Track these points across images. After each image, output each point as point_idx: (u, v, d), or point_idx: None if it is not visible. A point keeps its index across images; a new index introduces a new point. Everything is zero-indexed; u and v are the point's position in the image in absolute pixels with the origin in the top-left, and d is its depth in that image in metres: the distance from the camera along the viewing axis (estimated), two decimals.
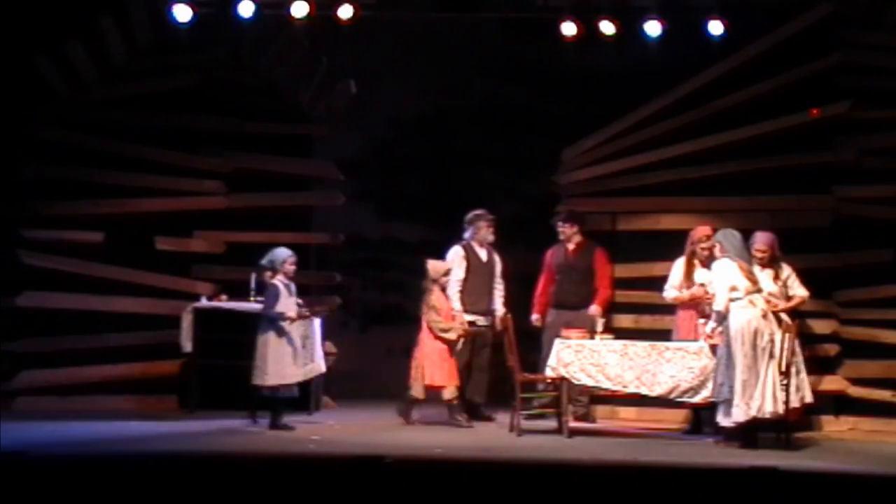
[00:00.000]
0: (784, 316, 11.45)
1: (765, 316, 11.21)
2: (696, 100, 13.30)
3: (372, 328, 14.92)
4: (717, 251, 11.52)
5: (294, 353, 11.86)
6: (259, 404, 11.99)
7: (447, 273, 12.42)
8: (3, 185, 13.29)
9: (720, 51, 13.07)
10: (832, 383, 12.64)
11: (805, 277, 11.85)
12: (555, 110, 14.28)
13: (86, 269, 13.37)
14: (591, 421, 12.65)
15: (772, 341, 11.17)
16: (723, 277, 11.31)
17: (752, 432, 11.15)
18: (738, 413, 11.05)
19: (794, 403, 11.40)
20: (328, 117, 13.90)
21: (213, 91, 13.73)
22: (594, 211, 13.54)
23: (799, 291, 11.73)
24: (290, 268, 12.00)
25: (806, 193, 12.98)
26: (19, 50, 13.03)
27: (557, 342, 11.84)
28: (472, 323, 12.63)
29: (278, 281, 11.93)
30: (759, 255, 11.63)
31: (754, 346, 11.10)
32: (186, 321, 12.87)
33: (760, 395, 11.05)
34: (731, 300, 11.21)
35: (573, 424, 11.86)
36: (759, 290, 11.31)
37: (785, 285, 11.68)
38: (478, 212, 12.86)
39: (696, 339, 11.77)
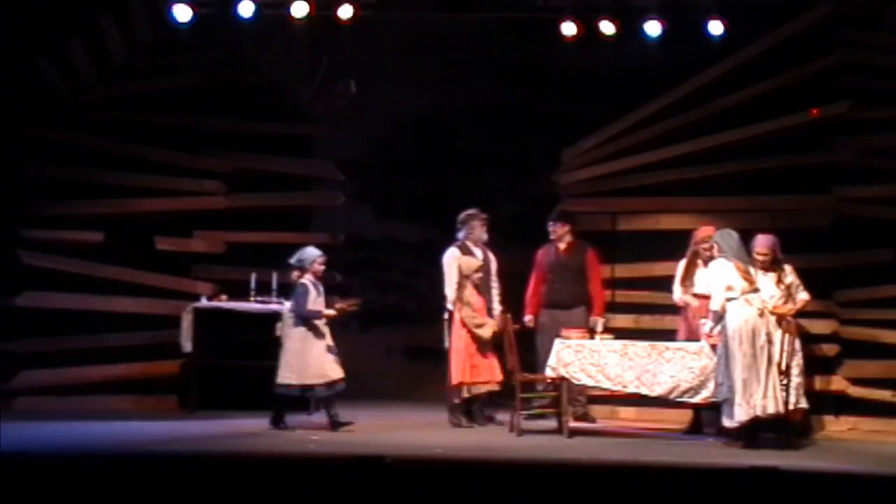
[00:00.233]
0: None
1: (762, 314, 11.21)
2: (696, 100, 13.30)
3: (372, 328, 14.90)
4: (714, 251, 11.54)
5: (326, 350, 11.79)
6: (283, 403, 11.89)
7: (479, 270, 12.36)
8: (3, 185, 13.30)
9: (720, 51, 13.07)
10: (832, 383, 12.64)
11: (805, 277, 11.85)
12: (555, 110, 14.28)
13: (86, 269, 13.37)
14: (591, 421, 12.65)
15: (770, 340, 11.17)
16: (719, 278, 11.32)
17: (754, 432, 11.15)
18: (740, 412, 11.05)
19: (801, 403, 11.48)
20: (328, 117, 13.90)
21: (213, 91, 13.73)
22: (594, 211, 13.55)
23: (801, 295, 11.73)
24: (320, 267, 11.93)
25: (806, 193, 12.98)
26: (19, 50, 13.04)
27: (557, 342, 11.84)
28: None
29: (307, 280, 11.88)
30: (759, 257, 11.62)
31: (753, 345, 11.10)
32: (186, 321, 12.88)
33: (762, 394, 11.05)
34: (728, 300, 11.22)
35: (573, 424, 11.86)
36: (755, 290, 11.31)
37: (788, 289, 11.66)
38: (470, 211, 12.84)
39: (698, 339, 11.79)
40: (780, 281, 11.65)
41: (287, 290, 13.12)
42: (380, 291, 15.20)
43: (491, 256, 12.88)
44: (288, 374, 11.74)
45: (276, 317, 12.80)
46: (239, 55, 13.80)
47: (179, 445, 11.04)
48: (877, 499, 8.41)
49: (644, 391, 11.68)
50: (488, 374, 12.16)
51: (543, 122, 14.33)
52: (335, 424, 11.73)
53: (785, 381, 11.21)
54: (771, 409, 11.06)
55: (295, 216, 13.98)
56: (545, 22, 13.10)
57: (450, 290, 12.69)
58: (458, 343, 12.17)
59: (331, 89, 13.86)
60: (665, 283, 12.73)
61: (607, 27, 12.91)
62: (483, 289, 12.63)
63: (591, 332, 12.13)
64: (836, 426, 12.53)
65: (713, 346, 11.43)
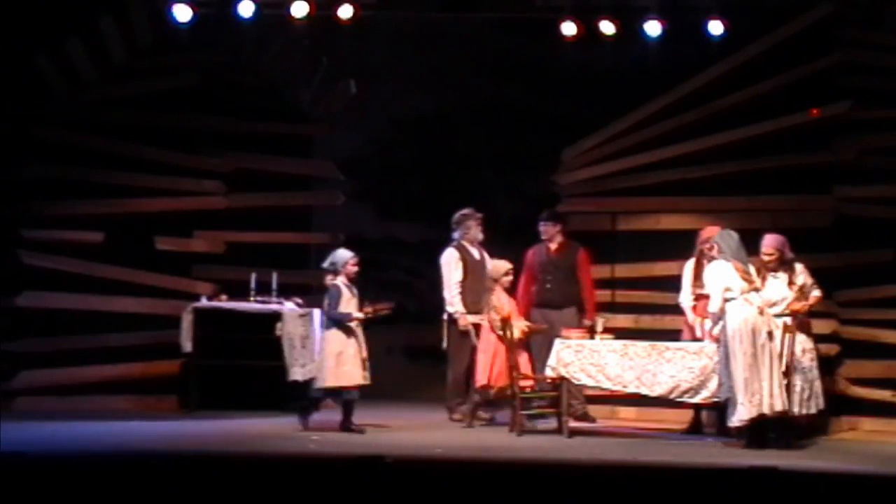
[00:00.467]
0: (787, 318, 11.49)
1: (762, 313, 11.21)
2: (696, 100, 13.30)
3: (372, 328, 14.86)
4: (714, 252, 11.54)
5: (357, 353, 11.74)
6: (311, 404, 11.85)
7: (507, 273, 12.29)
8: (3, 185, 13.30)
9: (720, 51, 13.07)
10: (832, 383, 12.63)
11: None
12: (555, 110, 14.28)
13: (86, 269, 13.36)
14: (591, 420, 12.65)
15: (770, 339, 11.16)
16: (717, 279, 11.32)
17: (759, 430, 11.14)
18: (743, 411, 11.04)
19: (811, 409, 11.52)
20: (328, 117, 13.90)
21: (213, 91, 13.73)
22: (594, 211, 13.55)
23: (814, 293, 11.73)
24: (353, 268, 11.83)
25: (806, 193, 12.98)
26: (19, 50, 13.03)
27: (557, 342, 11.83)
28: (476, 324, 12.63)
29: (340, 282, 11.81)
30: (766, 258, 11.62)
31: (753, 344, 11.09)
32: (186, 321, 12.88)
33: (769, 392, 11.05)
34: (726, 300, 11.22)
35: (573, 424, 11.86)
36: (756, 290, 11.31)
37: (802, 290, 11.64)
38: (465, 211, 12.83)
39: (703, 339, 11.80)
40: (791, 283, 11.63)
41: (287, 290, 13.16)
42: (380, 291, 15.17)
43: (486, 256, 12.88)
44: (327, 376, 11.63)
45: (276, 317, 12.81)
46: (239, 55, 13.80)
47: (179, 445, 11.04)
48: (877, 499, 8.41)
49: (644, 391, 11.68)
50: (499, 379, 12.08)
51: (543, 122, 14.34)
52: (348, 428, 11.68)
53: (786, 382, 11.21)
54: (778, 408, 11.07)
55: (295, 216, 13.98)
56: (545, 22, 13.10)
57: (448, 292, 12.69)
58: (484, 345, 12.14)
59: (331, 89, 13.86)
60: (665, 283, 12.74)
61: (607, 27, 12.91)
62: (481, 288, 12.61)
63: (591, 332, 12.12)
64: (836, 426, 12.53)
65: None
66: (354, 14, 12.90)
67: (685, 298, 12.25)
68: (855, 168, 12.92)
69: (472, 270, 12.76)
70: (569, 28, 12.94)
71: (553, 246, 12.90)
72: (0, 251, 13.19)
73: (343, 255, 11.87)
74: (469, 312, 12.64)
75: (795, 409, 11.45)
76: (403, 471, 8.56)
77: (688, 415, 12.29)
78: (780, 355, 11.21)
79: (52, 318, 13.28)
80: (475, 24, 13.93)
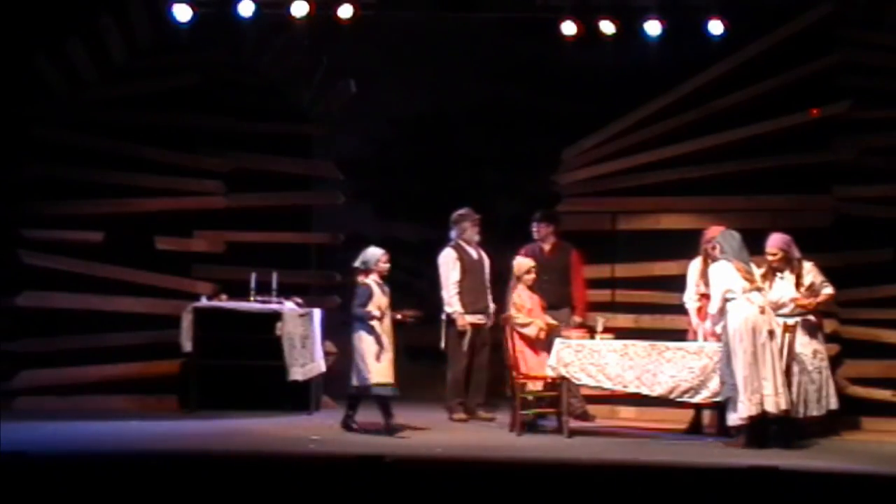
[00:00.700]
0: (786, 319, 11.49)
1: (763, 312, 11.21)
2: (696, 100, 13.30)
3: None
4: (716, 252, 11.54)
5: (379, 352, 11.65)
6: (356, 403, 11.81)
7: (530, 271, 12.28)
8: (3, 185, 13.30)
9: (720, 51, 13.08)
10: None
11: None
12: (555, 110, 14.27)
13: (86, 268, 13.37)
14: (590, 419, 12.65)
15: (771, 338, 11.16)
16: (717, 280, 11.32)
17: (760, 429, 11.14)
18: (743, 409, 11.05)
19: (822, 411, 11.57)
20: (328, 117, 13.90)
21: (213, 91, 13.73)
22: (594, 211, 13.55)
23: (826, 290, 11.73)
24: (384, 266, 11.78)
25: (806, 193, 12.99)
26: (19, 50, 13.04)
27: (557, 342, 11.83)
28: (474, 324, 12.62)
29: (371, 280, 11.75)
30: (770, 258, 11.62)
31: (754, 343, 11.10)
32: (186, 321, 12.87)
33: (773, 391, 11.05)
34: (727, 300, 11.22)
35: (573, 424, 11.86)
36: (758, 290, 11.31)
37: (811, 289, 11.63)
38: (462, 211, 12.84)
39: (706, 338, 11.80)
40: (799, 283, 11.62)
41: (287, 290, 13.15)
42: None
43: (484, 256, 12.88)
44: (368, 374, 11.58)
45: (276, 316, 12.80)
46: (239, 55, 13.80)
47: (179, 445, 11.04)
48: (877, 499, 8.41)
49: (644, 391, 11.68)
50: (537, 371, 12.04)
51: (543, 122, 14.33)
52: (391, 429, 11.63)
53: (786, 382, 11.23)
54: (784, 406, 11.07)
55: (295, 216, 13.97)
56: (545, 22, 13.11)
57: (446, 292, 12.69)
58: (513, 345, 12.12)
59: (331, 89, 13.85)
60: (665, 283, 12.74)
61: (607, 27, 12.92)
62: (480, 288, 12.63)
63: (592, 332, 12.12)
64: (837, 426, 12.51)
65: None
66: (354, 14, 12.92)
67: (690, 299, 12.25)
68: (855, 168, 12.92)
69: (470, 270, 12.76)
70: (569, 28, 12.95)
71: (546, 246, 12.89)
72: (0, 251, 13.19)
73: (374, 252, 11.83)
74: (467, 312, 12.65)
75: (801, 410, 11.46)
76: (403, 471, 8.56)
77: (688, 415, 12.29)
78: (781, 354, 11.22)
79: (52, 318, 13.28)
80: (475, 24, 13.93)
